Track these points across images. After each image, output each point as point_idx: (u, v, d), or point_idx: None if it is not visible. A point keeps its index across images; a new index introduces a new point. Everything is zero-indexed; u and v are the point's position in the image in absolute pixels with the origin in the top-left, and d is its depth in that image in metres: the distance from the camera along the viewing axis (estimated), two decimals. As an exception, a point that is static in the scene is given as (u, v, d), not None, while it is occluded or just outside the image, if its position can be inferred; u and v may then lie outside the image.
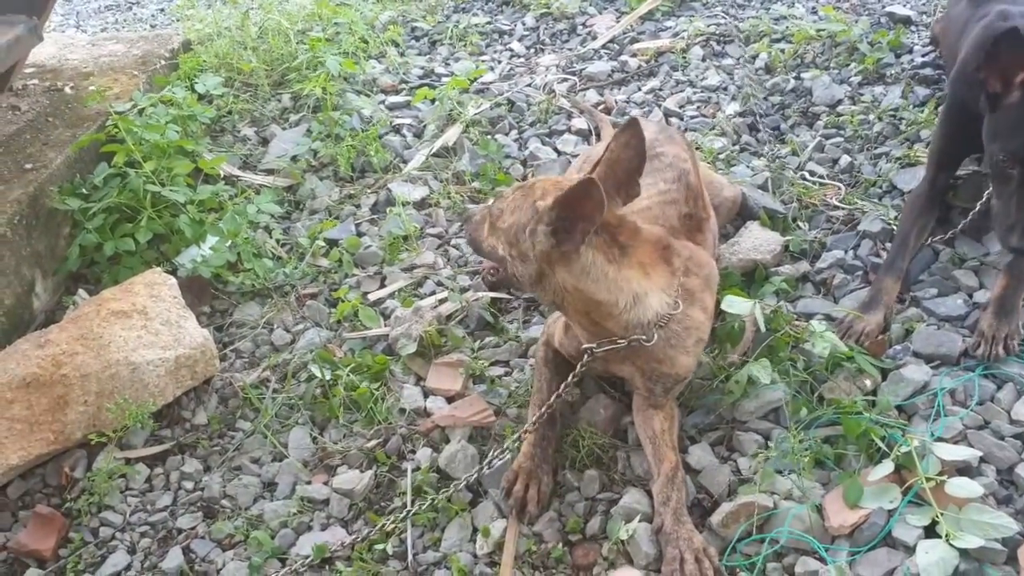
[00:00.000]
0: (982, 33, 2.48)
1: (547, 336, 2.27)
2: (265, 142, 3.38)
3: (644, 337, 1.96)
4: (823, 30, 3.32)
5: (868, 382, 2.11)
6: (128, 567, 2.10)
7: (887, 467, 1.91)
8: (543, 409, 2.08)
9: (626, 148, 1.97)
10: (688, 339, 2.04)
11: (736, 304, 2.16)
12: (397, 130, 3.35)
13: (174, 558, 2.07)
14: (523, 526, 2.00)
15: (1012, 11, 2.45)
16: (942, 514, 1.79)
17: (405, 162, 3.19)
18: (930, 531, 1.80)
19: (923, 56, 3.17)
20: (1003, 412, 2.02)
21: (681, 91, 3.25)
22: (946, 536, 1.75)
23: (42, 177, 2.81)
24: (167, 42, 3.63)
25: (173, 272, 2.74)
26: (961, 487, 1.82)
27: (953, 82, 2.55)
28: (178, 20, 4.49)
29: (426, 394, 2.36)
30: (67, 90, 3.31)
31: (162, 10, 4.77)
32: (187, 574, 2.05)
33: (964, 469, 1.90)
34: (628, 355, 2.03)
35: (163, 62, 3.51)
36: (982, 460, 1.92)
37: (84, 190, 2.86)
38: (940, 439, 1.96)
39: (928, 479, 1.85)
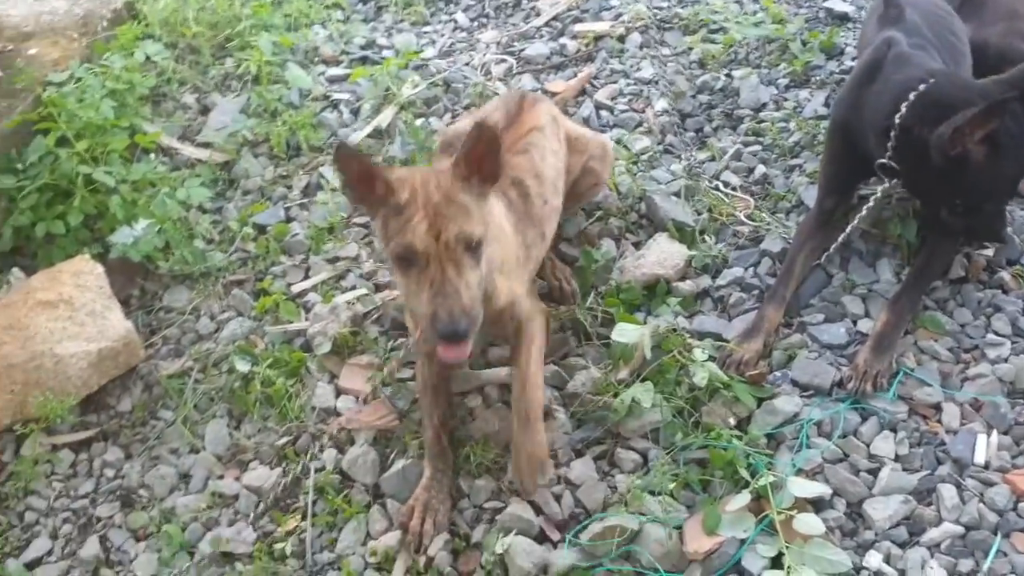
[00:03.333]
0: (861, 62, 2.54)
1: (419, 345, 2.31)
2: (206, 110, 3.42)
3: None
4: (756, 32, 3.34)
5: (742, 410, 2.26)
6: (49, 552, 2.27)
7: (745, 498, 2.06)
8: (430, 437, 2.24)
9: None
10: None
11: (627, 332, 2.30)
12: (335, 106, 3.38)
13: (91, 547, 2.24)
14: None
15: (898, 37, 2.49)
16: (788, 547, 1.96)
17: (341, 142, 3.24)
18: (776, 562, 1.97)
19: (852, 59, 3.21)
20: (863, 446, 2.17)
21: (614, 82, 3.28)
22: (787, 569, 1.93)
23: (-24, 154, 2.87)
24: (110, 1, 3.62)
25: (106, 250, 2.84)
26: (806, 523, 1.98)
27: (836, 103, 2.62)
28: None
29: (338, 393, 2.49)
30: (6, 53, 3.32)
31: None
32: (102, 563, 2.22)
33: (817, 501, 2.07)
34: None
35: (105, 23, 3.51)
36: (834, 494, 2.08)
37: (19, 165, 2.92)
38: (800, 471, 2.12)
39: (780, 512, 2.01)
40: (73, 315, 2.53)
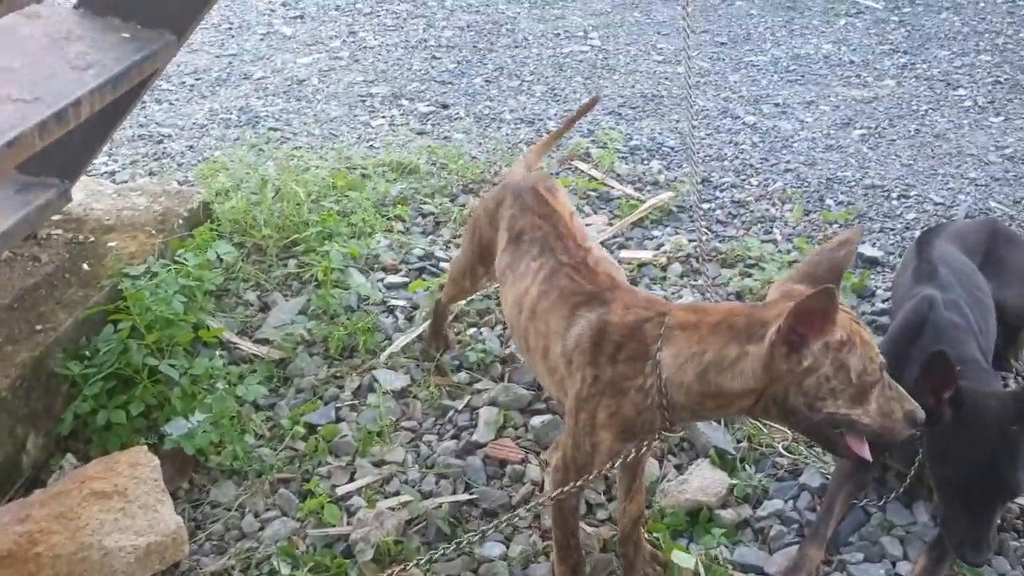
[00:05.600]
0: (904, 317, 2.68)
1: (576, 458, 2.20)
2: (266, 308, 3.59)
3: None
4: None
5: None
6: None
7: None
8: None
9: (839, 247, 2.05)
10: None
11: (683, 559, 2.36)
12: (391, 311, 3.56)
13: None
14: None
15: (937, 298, 2.64)
16: None
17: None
18: None
19: (883, 302, 3.38)
20: None
21: (657, 307, 3.45)
22: None
23: (49, 340, 3.00)
24: (187, 201, 3.88)
25: (160, 440, 2.92)
26: None
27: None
28: (203, 160, 4.75)
29: (377, 603, 2.49)
30: (87, 244, 3.54)
31: (191, 147, 5.06)
32: None
33: None
34: None
35: (181, 221, 3.74)
36: None
37: (87, 352, 3.06)
38: None
39: None
40: (126, 507, 2.58)
